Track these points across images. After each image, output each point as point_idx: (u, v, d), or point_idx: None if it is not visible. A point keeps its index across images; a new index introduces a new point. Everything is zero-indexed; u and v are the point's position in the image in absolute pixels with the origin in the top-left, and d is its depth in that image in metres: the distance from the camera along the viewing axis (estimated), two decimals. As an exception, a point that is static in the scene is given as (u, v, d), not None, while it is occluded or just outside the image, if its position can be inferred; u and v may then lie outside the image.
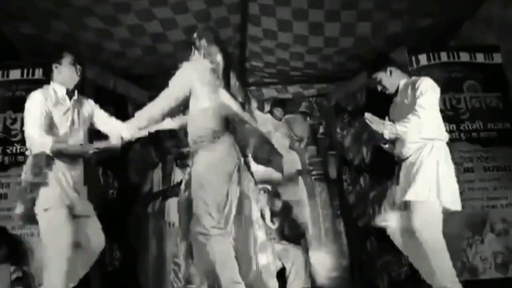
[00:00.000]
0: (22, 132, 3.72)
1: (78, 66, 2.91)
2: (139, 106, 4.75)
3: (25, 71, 3.93)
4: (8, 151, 3.75)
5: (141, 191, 4.50)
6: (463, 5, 4.09)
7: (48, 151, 2.64)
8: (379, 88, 3.08)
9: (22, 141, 3.75)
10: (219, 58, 2.66)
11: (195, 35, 2.78)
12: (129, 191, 4.38)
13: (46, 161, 2.64)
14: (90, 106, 3.02)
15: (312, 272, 4.52)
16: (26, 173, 2.67)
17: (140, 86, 4.82)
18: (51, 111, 2.74)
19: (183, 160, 4.63)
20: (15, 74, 3.92)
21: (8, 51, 4.22)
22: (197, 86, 2.58)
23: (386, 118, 2.90)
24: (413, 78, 2.99)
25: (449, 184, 2.77)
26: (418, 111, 2.73)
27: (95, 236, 2.82)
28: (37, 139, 2.66)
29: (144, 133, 2.86)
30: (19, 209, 2.65)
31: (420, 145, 2.81)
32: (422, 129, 2.77)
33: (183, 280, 2.83)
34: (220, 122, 2.57)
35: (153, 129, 2.85)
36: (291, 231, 4.82)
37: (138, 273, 4.27)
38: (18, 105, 3.79)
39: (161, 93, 2.70)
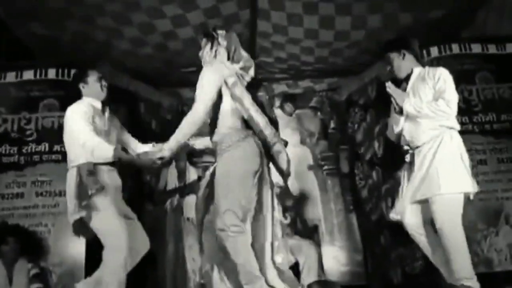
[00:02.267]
0: (37, 132, 3.83)
1: (104, 82, 2.97)
2: (150, 104, 4.87)
3: (38, 71, 3.98)
4: (24, 151, 3.81)
5: (156, 189, 4.53)
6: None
7: (111, 159, 2.70)
8: (388, 68, 3.02)
9: (37, 141, 3.82)
10: (251, 66, 2.74)
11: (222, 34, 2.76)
12: (143, 189, 4.42)
13: (93, 169, 2.71)
14: (117, 122, 3.10)
15: (325, 266, 4.52)
16: (86, 185, 2.67)
17: (150, 84, 4.86)
18: (95, 122, 2.82)
19: (196, 158, 4.67)
20: (28, 75, 3.98)
21: (20, 52, 4.28)
22: (224, 87, 2.61)
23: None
24: (428, 68, 2.93)
25: (469, 172, 2.71)
26: (449, 100, 2.70)
27: (141, 238, 2.89)
28: (100, 146, 2.70)
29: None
30: (76, 215, 2.69)
31: (437, 133, 2.72)
32: (449, 118, 2.73)
33: (199, 276, 2.86)
34: (244, 123, 2.60)
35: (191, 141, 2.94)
36: (303, 226, 4.83)
37: (157, 270, 4.29)
38: (32, 106, 3.91)
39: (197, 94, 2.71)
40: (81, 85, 2.96)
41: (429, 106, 2.71)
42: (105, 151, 2.70)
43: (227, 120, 2.60)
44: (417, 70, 2.93)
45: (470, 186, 2.67)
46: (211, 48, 2.73)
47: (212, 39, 2.75)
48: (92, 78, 2.95)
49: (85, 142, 2.71)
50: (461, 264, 2.59)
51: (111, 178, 2.83)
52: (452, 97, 2.74)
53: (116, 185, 2.87)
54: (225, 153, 2.51)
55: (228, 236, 2.36)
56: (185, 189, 4.31)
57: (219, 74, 2.62)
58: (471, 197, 2.73)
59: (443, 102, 2.70)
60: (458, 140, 2.75)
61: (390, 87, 2.81)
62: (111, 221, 2.68)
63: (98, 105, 2.92)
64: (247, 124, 2.59)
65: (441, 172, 2.63)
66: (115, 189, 2.85)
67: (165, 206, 4.37)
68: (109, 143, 2.77)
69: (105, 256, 2.66)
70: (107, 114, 2.96)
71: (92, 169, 2.70)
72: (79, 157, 2.74)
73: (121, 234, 2.64)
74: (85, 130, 2.74)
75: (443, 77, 2.79)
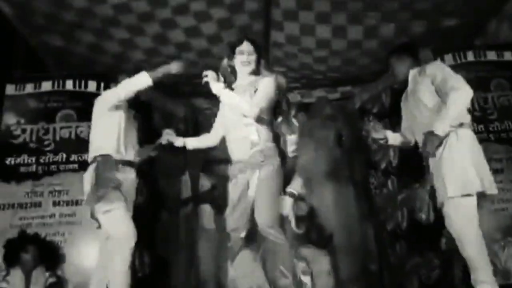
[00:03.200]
0: (55, 142, 3.89)
1: None
2: (164, 113, 4.91)
3: (56, 83, 4.06)
4: (41, 160, 3.87)
5: (169, 197, 4.56)
6: (488, 3, 4.01)
7: (150, 81, 3.07)
8: (390, 70, 3.04)
9: (54, 151, 3.89)
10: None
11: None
12: (158, 197, 4.45)
13: (113, 165, 2.92)
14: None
15: (340, 276, 4.48)
16: (104, 178, 2.86)
17: (164, 93, 4.91)
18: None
19: (210, 167, 4.69)
20: (46, 86, 4.05)
21: (35, 64, 4.36)
22: None
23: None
24: (421, 66, 2.86)
25: (480, 170, 2.57)
26: (458, 87, 2.56)
27: None
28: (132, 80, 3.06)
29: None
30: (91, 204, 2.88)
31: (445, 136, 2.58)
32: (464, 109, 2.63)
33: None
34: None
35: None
36: (318, 236, 4.80)
37: (170, 278, 4.30)
38: (50, 116, 3.98)
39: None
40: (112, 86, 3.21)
41: (438, 111, 2.59)
42: (141, 78, 3.03)
43: (269, 132, 2.77)
44: (413, 72, 2.89)
45: (478, 186, 2.52)
46: (260, 58, 2.86)
47: (259, 49, 2.87)
48: (122, 79, 3.17)
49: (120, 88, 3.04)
50: (479, 268, 2.50)
51: (127, 177, 2.98)
52: (457, 82, 2.60)
53: (130, 186, 3.01)
54: (269, 166, 2.66)
55: (281, 246, 2.65)
56: (199, 198, 4.33)
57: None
58: (488, 193, 2.60)
59: (452, 93, 2.54)
60: (466, 138, 2.61)
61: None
62: (117, 217, 2.84)
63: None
64: None
65: (447, 176, 2.55)
66: (129, 189, 2.99)
67: (179, 214, 4.39)
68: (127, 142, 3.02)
69: (113, 248, 2.83)
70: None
71: (112, 164, 2.90)
72: (101, 148, 2.95)
73: (127, 229, 2.84)
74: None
75: (437, 69, 2.72)
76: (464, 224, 2.52)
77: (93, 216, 2.95)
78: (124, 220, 2.85)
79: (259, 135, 2.72)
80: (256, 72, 2.85)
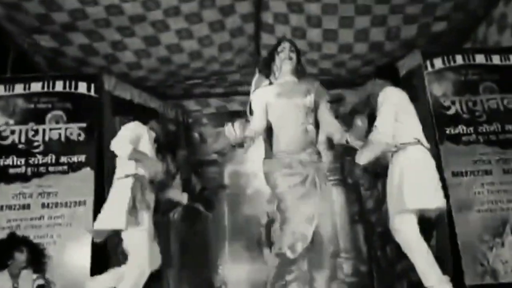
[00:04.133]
0: (44, 143, 3.86)
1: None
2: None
3: (46, 83, 4.02)
4: (30, 162, 3.83)
5: (161, 198, 4.52)
6: (477, 8, 4.07)
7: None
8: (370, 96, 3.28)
9: (44, 152, 3.85)
10: None
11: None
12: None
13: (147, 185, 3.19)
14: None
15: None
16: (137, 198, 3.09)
17: (156, 96, 4.90)
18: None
19: (201, 168, 4.68)
20: (36, 87, 4.01)
21: (26, 65, 4.33)
22: None
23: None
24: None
25: (416, 187, 2.77)
26: (377, 126, 2.85)
27: (156, 256, 3.23)
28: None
29: None
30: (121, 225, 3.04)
31: (392, 153, 2.92)
32: (384, 139, 2.84)
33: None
34: None
35: None
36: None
37: (163, 282, 4.26)
38: (40, 117, 3.95)
39: None
40: None
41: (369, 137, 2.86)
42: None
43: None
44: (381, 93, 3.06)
45: (398, 206, 2.80)
46: (299, 58, 2.90)
47: (299, 51, 2.91)
48: None
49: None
50: (426, 274, 2.74)
51: (150, 195, 3.22)
52: (380, 121, 2.86)
53: (151, 203, 3.24)
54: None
55: None
56: (191, 199, 4.31)
57: None
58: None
59: (374, 129, 2.86)
60: (403, 156, 2.86)
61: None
62: (142, 240, 3.05)
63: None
64: None
65: (391, 193, 2.90)
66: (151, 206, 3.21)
67: (169, 217, 4.36)
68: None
69: (127, 267, 3.03)
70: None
71: (146, 185, 3.13)
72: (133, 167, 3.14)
73: (146, 254, 3.02)
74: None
75: (379, 99, 2.97)
76: (414, 236, 2.79)
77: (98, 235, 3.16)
78: (146, 245, 3.05)
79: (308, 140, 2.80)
80: (296, 73, 2.87)
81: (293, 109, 2.74)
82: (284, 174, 2.64)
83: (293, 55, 2.84)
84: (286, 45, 2.86)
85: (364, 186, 4.99)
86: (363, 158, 2.83)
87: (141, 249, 3.03)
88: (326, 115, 2.83)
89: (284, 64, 2.82)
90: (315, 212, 2.54)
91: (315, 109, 2.81)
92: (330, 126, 2.83)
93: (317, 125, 2.84)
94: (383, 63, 4.25)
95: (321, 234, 2.57)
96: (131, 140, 3.17)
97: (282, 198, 2.64)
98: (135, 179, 3.12)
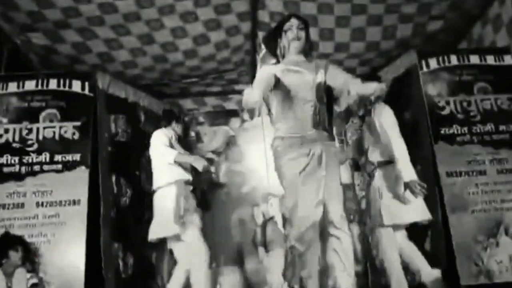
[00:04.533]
0: (38, 142, 3.84)
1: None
2: (150, 114, 4.89)
3: (40, 82, 4.00)
4: (24, 161, 3.80)
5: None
6: (472, 8, 4.08)
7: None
8: None
9: (38, 151, 3.83)
10: None
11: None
12: (142, 198, 4.42)
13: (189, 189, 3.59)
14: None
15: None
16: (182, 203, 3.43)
17: (151, 94, 4.89)
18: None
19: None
20: (30, 85, 3.99)
21: (19, 63, 4.30)
22: None
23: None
24: None
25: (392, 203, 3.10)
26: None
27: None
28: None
29: None
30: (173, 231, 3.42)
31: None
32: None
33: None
34: None
35: None
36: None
37: (155, 279, 4.25)
38: (34, 116, 3.92)
39: None
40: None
41: None
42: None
43: None
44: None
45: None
46: (309, 36, 2.73)
47: (308, 27, 2.71)
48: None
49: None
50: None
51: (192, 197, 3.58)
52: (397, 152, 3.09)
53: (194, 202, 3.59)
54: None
55: None
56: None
57: None
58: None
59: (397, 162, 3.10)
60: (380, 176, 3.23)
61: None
62: (195, 236, 3.44)
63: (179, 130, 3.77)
64: None
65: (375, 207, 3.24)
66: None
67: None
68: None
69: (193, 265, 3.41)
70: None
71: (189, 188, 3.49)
72: (181, 174, 3.48)
73: (203, 248, 3.42)
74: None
75: (383, 122, 3.24)
76: (388, 250, 3.12)
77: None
78: (201, 240, 3.47)
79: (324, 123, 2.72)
80: (305, 52, 2.69)
81: (303, 86, 2.58)
82: (291, 158, 2.48)
83: (302, 34, 2.63)
84: (294, 22, 2.64)
85: (359, 185, 5.01)
86: None
87: (197, 245, 3.39)
88: (340, 75, 2.63)
89: (292, 44, 2.64)
90: (322, 194, 2.41)
91: (325, 85, 2.63)
92: (349, 80, 2.59)
93: (329, 104, 2.69)
94: (366, 74, 4.45)
95: (330, 219, 2.44)
96: (168, 145, 3.47)
97: (288, 186, 2.48)
98: (178, 186, 3.41)
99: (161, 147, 3.54)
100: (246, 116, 5.53)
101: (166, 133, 3.66)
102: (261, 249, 4.29)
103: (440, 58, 4.02)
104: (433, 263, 3.27)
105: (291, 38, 2.63)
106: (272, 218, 4.39)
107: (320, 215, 2.42)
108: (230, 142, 5.09)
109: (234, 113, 5.54)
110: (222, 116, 5.51)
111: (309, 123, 2.56)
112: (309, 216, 2.39)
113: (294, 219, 2.43)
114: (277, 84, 2.54)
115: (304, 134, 2.53)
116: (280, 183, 2.56)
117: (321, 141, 2.55)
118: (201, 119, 5.45)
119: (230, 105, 5.51)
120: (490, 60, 4.04)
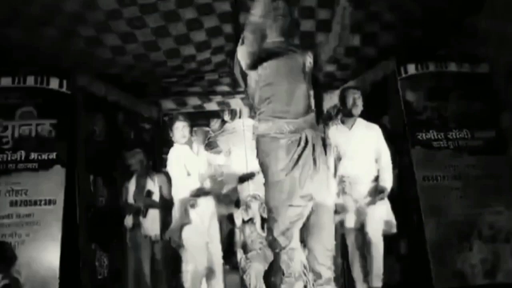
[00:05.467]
0: (13, 139, 3.75)
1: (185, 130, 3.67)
2: (129, 113, 4.84)
3: (17, 78, 3.91)
4: (-1, 158, 3.72)
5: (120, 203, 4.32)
6: (450, 16, 4.16)
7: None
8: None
9: (13, 149, 3.75)
10: None
11: None
12: (118, 199, 4.34)
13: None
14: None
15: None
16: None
17: (131, 93, 4.84)
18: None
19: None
20: (6, 82, 3.90)
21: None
22: None
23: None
24: None
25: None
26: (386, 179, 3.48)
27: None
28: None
29: None
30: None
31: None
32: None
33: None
34: None
35: None
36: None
37: (123, 283, 4.16)
38: (9, 113, 3.84)
39: None
40: (170, 133, 3.70)
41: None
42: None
43: None
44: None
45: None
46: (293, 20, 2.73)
47: (292, 11, 2.73)
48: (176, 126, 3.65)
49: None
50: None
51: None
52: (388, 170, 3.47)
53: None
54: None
55: None
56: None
57: None
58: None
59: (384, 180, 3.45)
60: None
61: None
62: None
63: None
64: None
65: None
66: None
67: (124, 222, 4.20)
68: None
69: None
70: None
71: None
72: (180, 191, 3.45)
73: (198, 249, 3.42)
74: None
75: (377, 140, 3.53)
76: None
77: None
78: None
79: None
80: (288, 33, 2.59)
81: (288, 66, 2.44)
82: (279, 146, 2.31)
83: (287, 14, 2.54)
84: (280, 4, 2.52)
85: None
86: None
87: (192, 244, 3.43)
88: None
89: (276, 23, 2.53)
90: (311, 186, 2.26)
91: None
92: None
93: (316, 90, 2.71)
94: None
95: (319, 212, 2.29)
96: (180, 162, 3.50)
97: (274, 177, 2.30)
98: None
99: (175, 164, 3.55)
100: (226, 117, 5.53)
101: (180, 151, 3.61)
102: (239, 252, 4.29)
103: (419, 65, 4.10)
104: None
105: (274, 17, 2.51)
106: (251, 219, 4.40)
107: (309, 210, 2.27)
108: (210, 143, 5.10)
109: (215, 114, 5.54)
110: (202, 116, 5.49)
111: (299, 107, 2.39)
112: (295, 209, 2.25)
113: (280, 212, 2.26)
114: (263, 60, 2.42)
115: (293, 119, 2.35)
116: (264, 173, 2.37)
117: (311, 128, 2.39)
118: (181, 119, 5.41)
119: (211, 106, 5.50)
120: (467, 67, 4.14)
